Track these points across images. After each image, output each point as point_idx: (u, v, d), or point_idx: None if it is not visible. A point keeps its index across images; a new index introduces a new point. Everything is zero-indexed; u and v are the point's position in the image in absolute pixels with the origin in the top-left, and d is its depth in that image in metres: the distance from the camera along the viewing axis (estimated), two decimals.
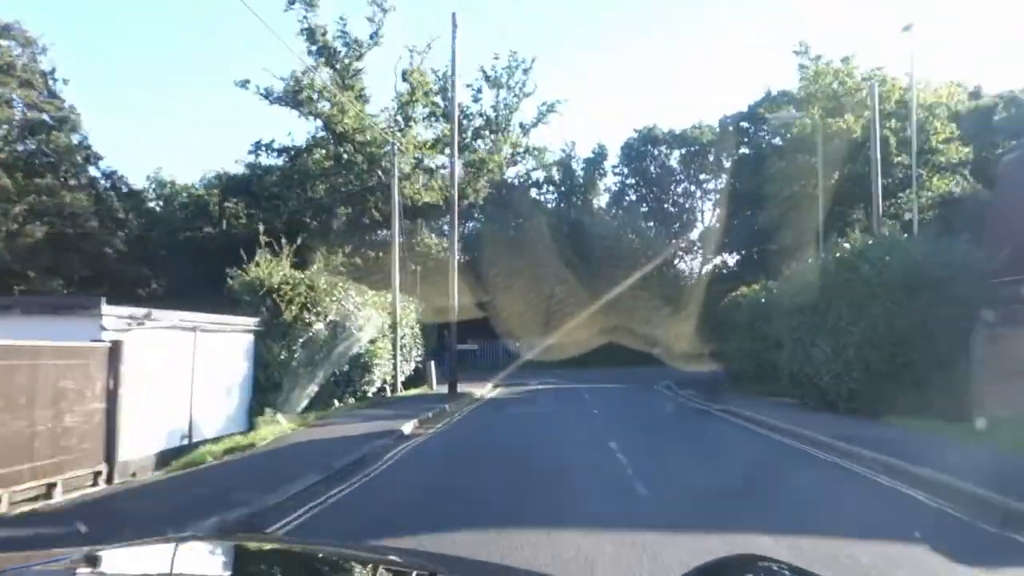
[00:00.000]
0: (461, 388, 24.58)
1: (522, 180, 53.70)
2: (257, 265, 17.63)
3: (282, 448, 11.50)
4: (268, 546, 2.43)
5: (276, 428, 13.17)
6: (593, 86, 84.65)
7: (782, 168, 40.32)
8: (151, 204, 33.56)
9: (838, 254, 16.99)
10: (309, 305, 17.61)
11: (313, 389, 17.58)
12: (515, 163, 54.57)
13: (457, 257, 49.83)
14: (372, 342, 21.19)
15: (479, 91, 51.09)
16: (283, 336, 17.04)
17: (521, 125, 54.86)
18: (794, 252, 40.69)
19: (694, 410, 19.01)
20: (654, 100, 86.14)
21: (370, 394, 21.64)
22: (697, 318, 42.60)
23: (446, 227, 41.31)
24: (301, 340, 17.26)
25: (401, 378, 25.11)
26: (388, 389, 23.29)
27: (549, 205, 52.75)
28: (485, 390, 25.99)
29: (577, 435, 13.40)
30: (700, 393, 23.54)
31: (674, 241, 52.87)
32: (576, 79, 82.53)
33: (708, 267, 50.99)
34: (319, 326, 17.76)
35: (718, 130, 56.70)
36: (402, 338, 24.78)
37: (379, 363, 21.83)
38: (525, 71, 52.14)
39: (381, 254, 28.40)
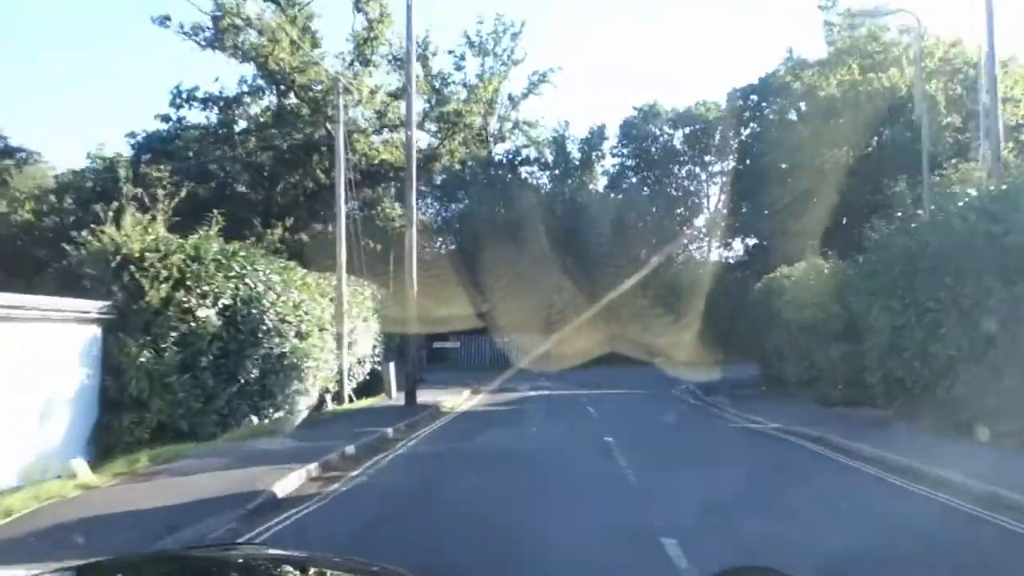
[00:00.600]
0: (429, 396, 19.14)
1: (511, 156, 48.20)
2: (114, 226, 12.09)
3: None
4: (261, 558, 2.32)
5: (53, 488, 7.62)
6: (589, 62, 79.18)
7: (807, 136, 34.83)
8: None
9: (961, 203, 11.45)
10: (190, 283, 12.08)
11: (196, 405, 12.02)
12: (503, 138, 49.39)
13: (443, 244, 44.48)
14: (302, 337, 15.65)
15: (462, 58, 45.79)
16: (146, 328, 11.52)
17: (510, 97, 49.70)
18: (827, 230, 35.48)
19: (753, 434, 13.27)
20: (654, 76, 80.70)
21: (303, 408, 16.15)
22: (711, 311, 37.24)
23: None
24: (175, 334, 11.73)
25: (352, 384, 19.63)
26: (330, 400, 17.77)
27: (543, 189, 47.19)
28: (460, 399, 20.51)
29: (591, 505, 7.51)
30: (736, 402, 18.14)
31: (682, 224, 47.49)
32: (570, 54, 77.00)
33: (722, 253, 45.57)
34: (206, 313, 12.22)
35: (725, 106, 51.52)
36: (352, 333, 19.28)
37: (315, 366, 16.29)
38: (513, 36, 46.70)
39: (331, 228, 22.88)
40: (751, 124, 51.60)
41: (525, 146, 48.96)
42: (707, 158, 54.38)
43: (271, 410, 14.75)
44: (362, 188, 25.58)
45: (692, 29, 75.06)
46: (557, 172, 50.33)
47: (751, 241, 46.12)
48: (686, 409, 17.57)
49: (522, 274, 41.13)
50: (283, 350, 14.95)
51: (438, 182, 46.94)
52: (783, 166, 38.59)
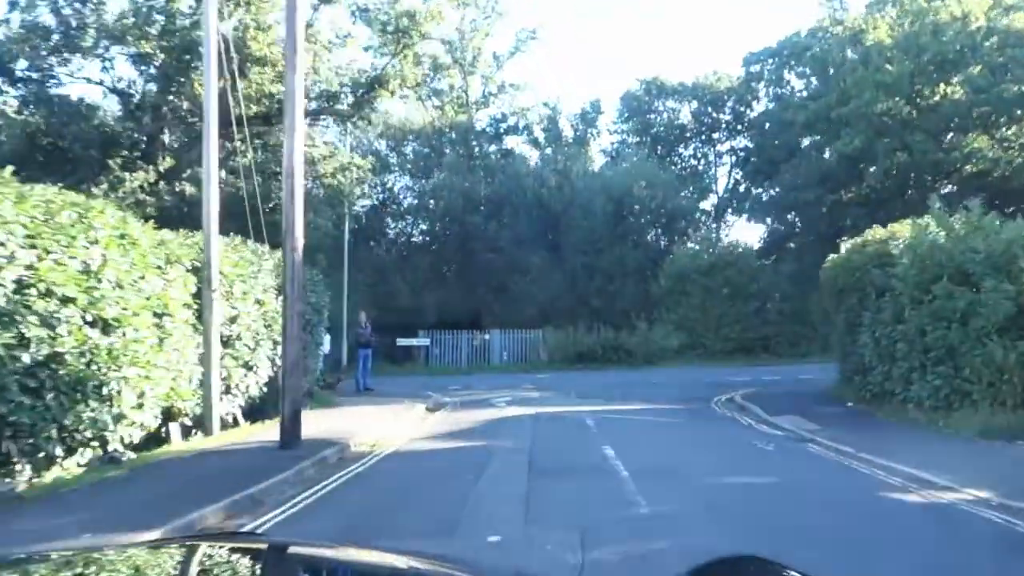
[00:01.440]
0: (350, 421, 12.46)
1: (496, 123, 41.38)
2: None
3: None
4: (259, 546, 2.26)
5: None
6: (583, 35, 72.33)
7: (849, 91, 28.11)
8: None
9: None
10: None
11: None
12: (487, 103, 42.60)
13: (415, 224, 37.55)
14: (108, 328, 8.85)
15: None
16: None
17: (495, 56, 43.00)
18: (881, 200, 28.77)
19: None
20: (655, 51, 73.94)
21: (119, 446, 9.33)
22: (735, 301, 30.64)
23: (339, 137, 28.42)
24: None
25: (239, 401, 12.79)
26: (180, 432, 10.86)
27: (533, 163, 40.34)
28: (401, 425, 13.63)
29: None
30: (840, 432, 11.28)
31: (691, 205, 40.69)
32: (563, 24, 70.09)
33: (740, 237, 38.71)
34: None
35: (741, 75, 45.31)
36: (233, 320, 12.43)
37: (143, 376, 9.47)
38: None
39: (231, 177, 16.11)
40: (772, 89, 45.43)
41: (513, 113, 42.25)
42: (715, 135, 48.18)
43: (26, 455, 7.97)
44: (271, 125, 18.73)
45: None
46: (548, 151, 43.63)
47: (771, 223, 39.55)
48: (776, 454, 10.49)
49: (507, 258, 34.41)
50: (58, 349, 8.15)
51: (409, 153, 40.16)
52: (815, 137, 32.07)
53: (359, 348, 19.57)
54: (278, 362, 13.32)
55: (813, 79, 39.17)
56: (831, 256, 16.76)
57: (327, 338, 18.60)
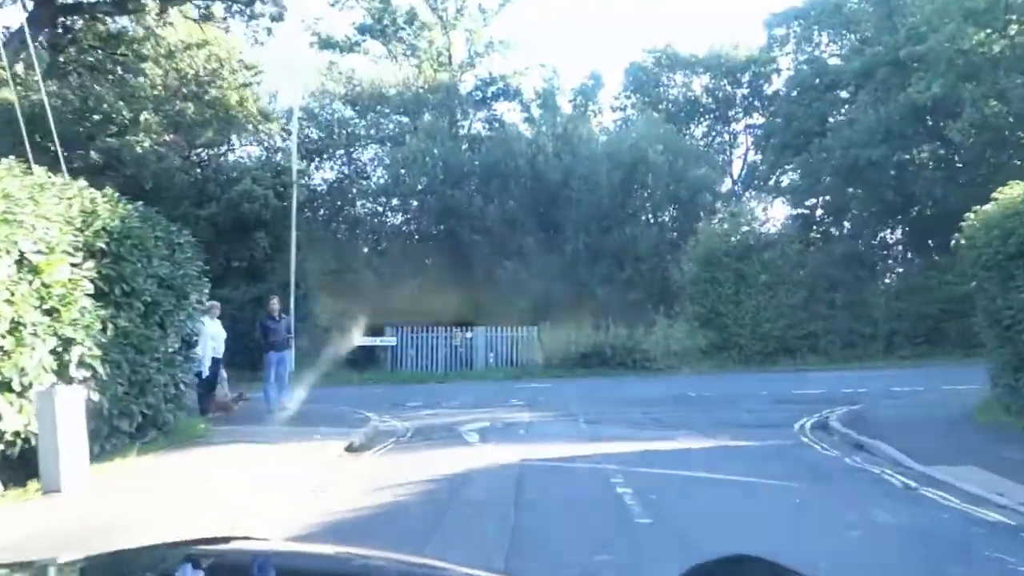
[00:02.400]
0: (210, 476, 6.68)
1: (483, 85, 35.39)
2: None
3: None
4: (270, 552, 2.14)
5: None
6: (582, 7, 66.14)
7: (944, 5, 22.09)
8: None
9: None
10: None
11: None
12: (472, 64, 36.64)
13: (385, 203, 31.49)
14: None
15: None
16: None
17: (481, 8, 37.04)
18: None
19: None
20: (666, 17, 67.81)
21: None
22: (776, 291, 24.83)
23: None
24: None
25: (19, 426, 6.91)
26: None
27: (523, 129, 34.19)
28: (278, 496, 7.64)
29: None
30: None
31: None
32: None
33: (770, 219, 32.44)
34: None
35: (758, 51, 39.66)
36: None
37: None
38: None
39: None
40: (799, 54, 39.63)
41: (503, 77, 36.24)
42: (731, 112, 42.35)
43: None
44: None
45: None
46: (543, 130, 37.67)
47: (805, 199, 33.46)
48: None
49: (494, 240, 28.48)
50: None
51: (383, 121, 34.06)
52: (871, 89, 26.13)
53: (269, 350, 13.65)
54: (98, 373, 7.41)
55: (853, 36, 33.49)
56: (983, 208, 10.80)
57: (208, 336, 12.66)
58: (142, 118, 19.57)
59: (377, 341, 24.47)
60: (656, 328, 24.26)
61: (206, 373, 12.74)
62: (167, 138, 22.27)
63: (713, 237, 25.18)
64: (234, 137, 27.56)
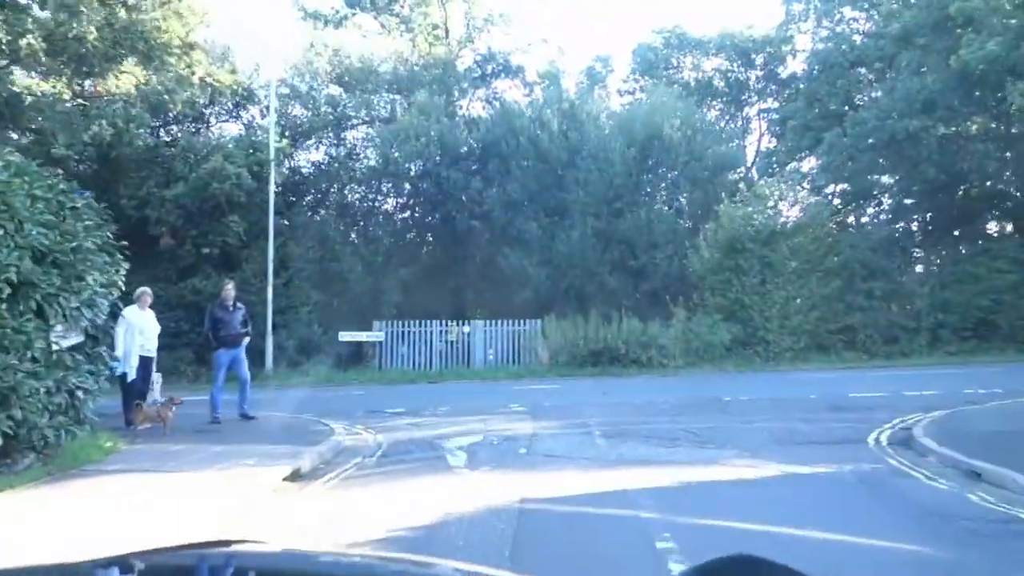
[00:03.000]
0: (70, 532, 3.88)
1: (482, 60, 32.90)
2: None
3: None
4: (261, 552, 2.14)
5: None
6: None
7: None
8: None
9: None
10: None
11: None
12: (472, 39, 34.13)
13: (376, 187, 28.99)
14: None
15: None
16: None
17: None
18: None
19: None
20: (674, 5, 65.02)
21: None
22: (811, 277, 22.41)
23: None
24: None
25: None
26: None
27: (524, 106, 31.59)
28: None
29: None
30: None
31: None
32: None
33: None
34: None
35: (781, 19, 37.21)
36: None
37: None
38: None
39: None
40: (819, 30, 37.08)
41: (503, 54, 33.70)
42: (744, 96, 39.87)
43: None
44: None
45: None
46: (548, 105, 35.12)
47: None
48: None
49: (494, 225, 26.05)
50: None
51: (373, 100, 31.56)
52: (912, 54, 23.53)
53: (219, 347, 11.23)
54: None
55: (876, 11, 30.93)
56: None
57: (135, 330, 10.28)
58: (23, 43, 16.11)
59: (362, 336, 21.99)
60: (674, 322, 21.78)
61: (132, 376, 10.31)
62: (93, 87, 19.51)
63: (736, 220, 22.64)
64: (210, 115, 25.14)
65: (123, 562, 1.96)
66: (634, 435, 9.74)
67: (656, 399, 13.54)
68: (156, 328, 10.90)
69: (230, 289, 11.75)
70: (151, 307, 11.02)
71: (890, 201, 22.06)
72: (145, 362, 10.50)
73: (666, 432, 9.91)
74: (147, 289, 10.97)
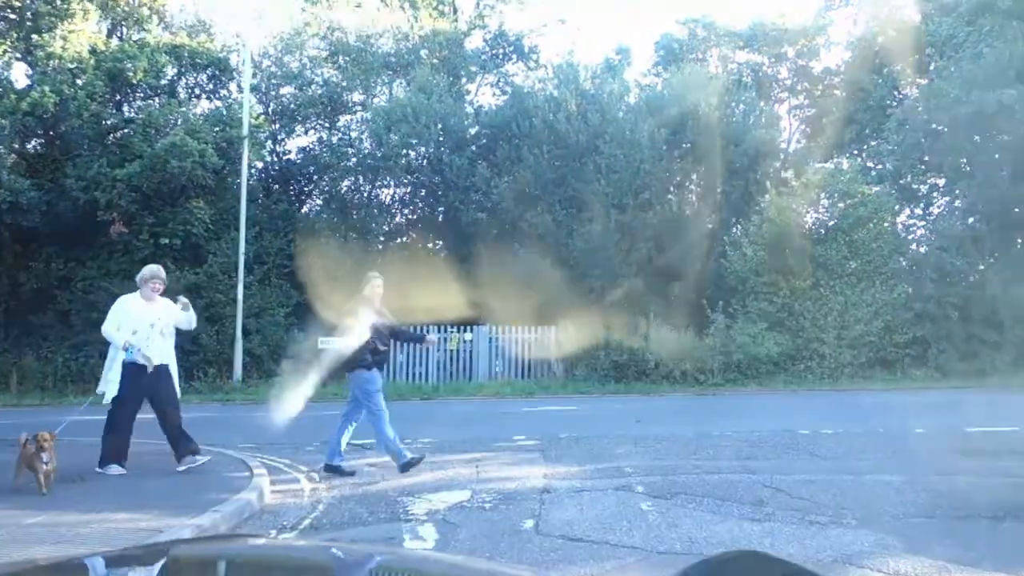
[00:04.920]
0: None
1: (492, 41, 29.87)
2: None
3: None
4: (271, 548, 2.13)
5: None
6: None
7: None
8: None
9: None
10: None
11: None
12: (482, 17, 31.12)
13: (375, 181, 25.79)
14: None
15: None
16: None
17: None
18: None
19: None
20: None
21: None
22: (873, 280, 19.09)
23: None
24: None
25: None
26: None
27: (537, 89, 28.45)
28: None
29: None
30: None
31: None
32: None
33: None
34: None
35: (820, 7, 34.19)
36: None
37: None
38: None
39: None
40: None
41: (516, 35, 30.65)
42: (774, 93, 36.69)
43: None
44: None
45: None
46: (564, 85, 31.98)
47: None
48: None
49: (503, 219, 22.93)
50: None
51: (372, 82, 28.44)
52: (989, 27, 20.27)
53: (373, 366, 8.10)
54: None
55: None
56: None
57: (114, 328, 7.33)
58: None
59: (342, 344, 18.79)
60: (711, 331, 18.52)
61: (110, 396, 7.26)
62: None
63: (784, 213, 19.37)
64: (181, 88, 22.10)
65: (126, 555, 1.94)
66: (696, 493, 6.51)
67: (708, 430, 10.27)
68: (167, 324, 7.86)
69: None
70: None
71: (973, 189, 18.56)
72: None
73: (743, 488, 6.67)
74: (157, 269, 7.95)
